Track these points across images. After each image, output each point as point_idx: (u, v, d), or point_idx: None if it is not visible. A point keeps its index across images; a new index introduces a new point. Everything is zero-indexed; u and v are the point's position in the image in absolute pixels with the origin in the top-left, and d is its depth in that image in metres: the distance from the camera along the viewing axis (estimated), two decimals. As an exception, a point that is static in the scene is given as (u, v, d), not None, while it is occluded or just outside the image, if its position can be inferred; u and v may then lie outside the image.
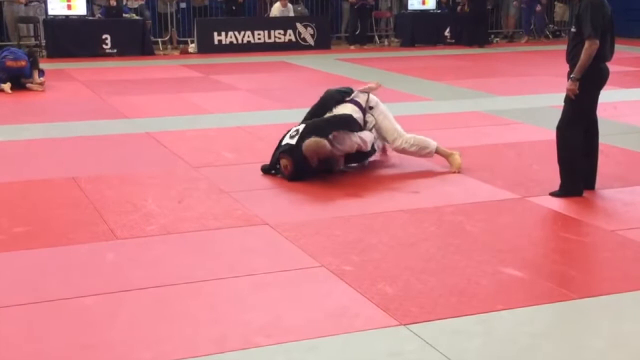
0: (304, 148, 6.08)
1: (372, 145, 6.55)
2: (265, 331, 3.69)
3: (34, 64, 11.05)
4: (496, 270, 4.44)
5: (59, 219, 5.39)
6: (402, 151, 6.69)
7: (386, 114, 6.70)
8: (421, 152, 6.66)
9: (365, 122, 6.55)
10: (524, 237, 5.05)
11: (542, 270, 4.46)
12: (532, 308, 3.96)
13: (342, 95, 6.72)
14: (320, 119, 6.48)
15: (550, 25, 19.27)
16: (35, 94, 10.78)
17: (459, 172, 6.50)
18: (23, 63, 10.86)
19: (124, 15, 15.74)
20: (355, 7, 17.21)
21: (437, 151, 6.67)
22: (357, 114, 6.52)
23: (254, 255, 4.70)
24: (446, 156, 6.67)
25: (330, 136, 6.13)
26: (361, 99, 6.66)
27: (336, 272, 4.39)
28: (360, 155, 6.56)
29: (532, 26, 18.73)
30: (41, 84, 11.04)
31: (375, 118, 6.62)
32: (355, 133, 6.36)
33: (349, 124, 6.39)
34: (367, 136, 6.47)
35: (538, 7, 18.47)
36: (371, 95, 6.73)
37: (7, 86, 10.69)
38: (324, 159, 6.21)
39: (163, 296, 4.11)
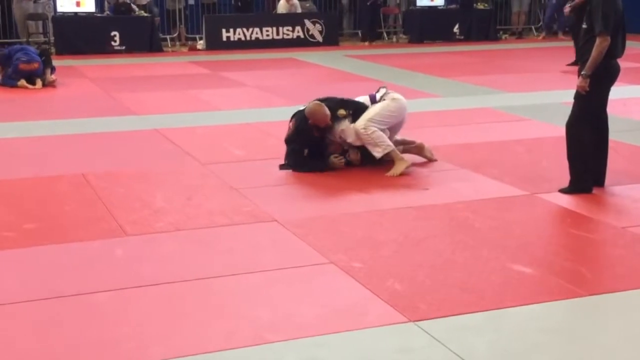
0: (306, 109, 6.48)
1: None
2: (275, 327, 3.69)
3: (46, 63, 11.10)
4: (505, 267, 4.43)
5: (68, 215, 5.41)
6: (358, 135, 6.44)
7: (380, 109, 6.49)
8: (371, 148, 6.41)
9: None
10: (533, 233, 5.04)
11: (552, 267, 4.45)
12: (541, 305, 3.95)
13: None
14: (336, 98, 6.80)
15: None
16: (44, 91, 10.79)
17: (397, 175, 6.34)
18: (36, 65, 10.91)
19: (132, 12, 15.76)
20: (368, 3, 17.14)
21: (389, 155, 6.44)
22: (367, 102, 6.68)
23: (263, 251, 4.71)
24: (394, 160, 6.46)
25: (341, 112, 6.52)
26: (379, 93, 6.72)
27: (345, 269, 4.39)
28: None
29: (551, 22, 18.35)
30: (53, 82, 11.09)
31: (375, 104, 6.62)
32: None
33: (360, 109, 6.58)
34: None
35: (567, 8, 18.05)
36: (394, 93, 6.72)
37: (23, 82, 10.79)
38: (323, 127, 6.47)
39: (172, 292, 4.12)
